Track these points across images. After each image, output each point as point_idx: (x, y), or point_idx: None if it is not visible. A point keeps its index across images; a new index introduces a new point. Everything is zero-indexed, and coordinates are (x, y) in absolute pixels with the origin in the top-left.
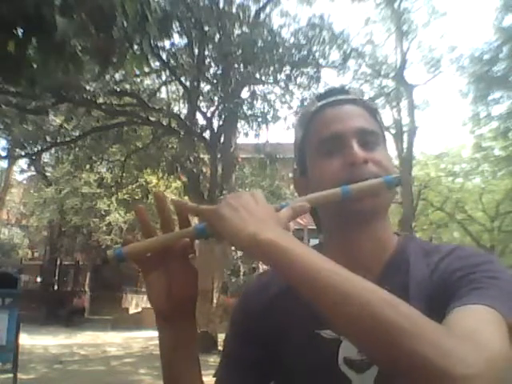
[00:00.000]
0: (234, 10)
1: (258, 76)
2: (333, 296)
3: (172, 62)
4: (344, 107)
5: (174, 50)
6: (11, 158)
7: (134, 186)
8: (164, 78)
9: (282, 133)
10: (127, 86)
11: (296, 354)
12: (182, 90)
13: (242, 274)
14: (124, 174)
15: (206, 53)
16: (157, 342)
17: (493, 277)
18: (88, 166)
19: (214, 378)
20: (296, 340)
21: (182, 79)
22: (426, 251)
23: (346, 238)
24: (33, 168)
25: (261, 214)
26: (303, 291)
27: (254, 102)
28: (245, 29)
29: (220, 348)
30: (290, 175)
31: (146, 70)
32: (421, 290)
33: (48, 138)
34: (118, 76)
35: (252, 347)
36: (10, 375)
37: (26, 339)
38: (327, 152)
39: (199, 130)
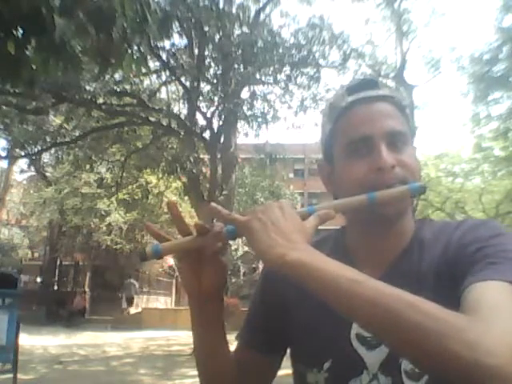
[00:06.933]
0: (234, 10)
1: (257, 76)
2: (357, 304)
3: (172, 62)
4: (374, 105)
5: (173, 50)
6: (11, 158)
7: (134, 186)
8: (164, 78)
9: (282, 133)
10: (127, 86)
11: (309, 326)
12: (182, 90)
13: (242, 274)
14: (124, 174)
15: (206, 53)
16: (156, 342)
17: (507, 250)
18: (88, 166)
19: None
20: (310, 312)
21: (182, 79)
22: (437, 230)
23: (367, 232)
24: (33, 168)
25: (289, 229)
26: (330, 302)
27: (254, 102)
28: (245, 29)
29: None
30: (290, 175)
31: (145, 71)
32: (432, 267)
33: (48, 138)
34: (117, 76)
35: (270, 310)
36: (10, 375)
37: (26, 339)
38: (356, 153)
39: (199, 130)
